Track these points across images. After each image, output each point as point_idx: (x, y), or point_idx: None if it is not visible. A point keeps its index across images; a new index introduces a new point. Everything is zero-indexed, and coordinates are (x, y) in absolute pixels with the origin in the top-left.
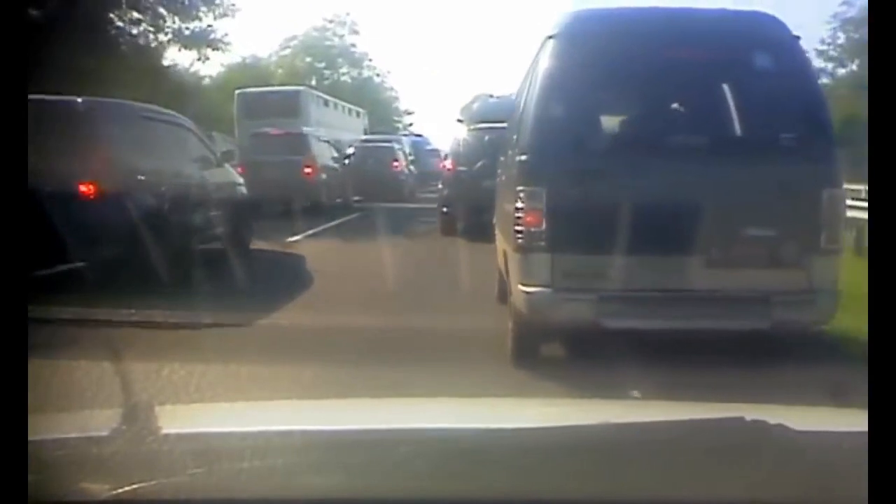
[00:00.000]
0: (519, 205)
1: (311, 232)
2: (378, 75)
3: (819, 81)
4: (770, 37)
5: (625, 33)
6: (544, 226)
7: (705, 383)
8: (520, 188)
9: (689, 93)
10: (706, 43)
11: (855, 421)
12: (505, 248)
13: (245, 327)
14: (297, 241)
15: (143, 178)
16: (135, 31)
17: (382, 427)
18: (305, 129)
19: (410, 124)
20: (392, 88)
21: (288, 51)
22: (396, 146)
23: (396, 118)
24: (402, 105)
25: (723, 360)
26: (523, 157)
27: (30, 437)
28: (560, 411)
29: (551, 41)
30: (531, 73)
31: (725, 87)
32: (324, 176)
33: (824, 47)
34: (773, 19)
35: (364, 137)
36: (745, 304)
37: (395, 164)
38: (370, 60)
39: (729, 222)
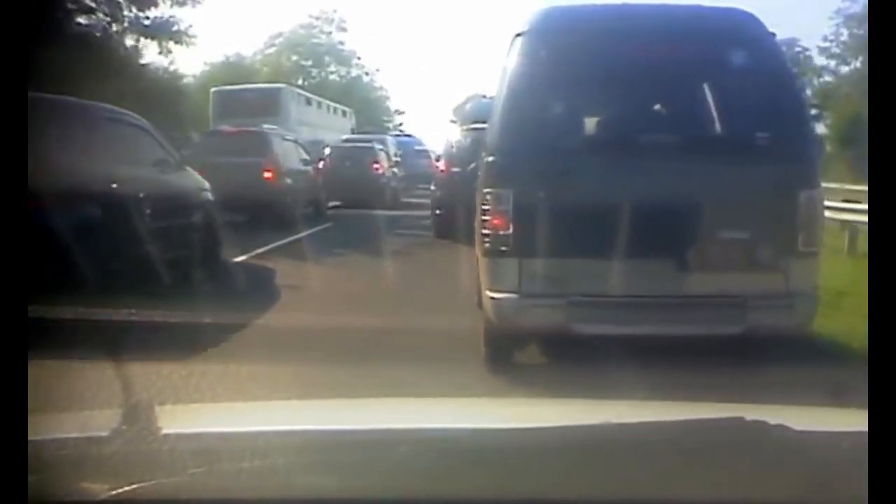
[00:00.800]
0: (485, 207)
1: (262, 250)
2: (367, 74)
3: (797, 80)
4: (746, 34)
5: (597, 30)
6: (511, 229)
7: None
8: (486, 190)
9: (662, 91)
10: (680, 40)
11: (855, 421)
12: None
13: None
14: (244, 261)
15: (79, 182)
16: (88, 21)
17: (382, 427)
18: (266, 127)
19: (401, 124)
20: (382, 88)
21: (273, 49)
22: (378, 146)
23: (387, 118)
24: (393, 105)
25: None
26: (490, 159)
27: (30, 437)
28: (559, 411)
29: (520, 38)
30: (502, 73)
31: (700, 85)
32: (289, 180)
33: (827, 44)
34: (750, 16)
35: (344, 137)
36: (719, 308)
37: (376, 166)
38: (359, 59)
39: (703, 224)
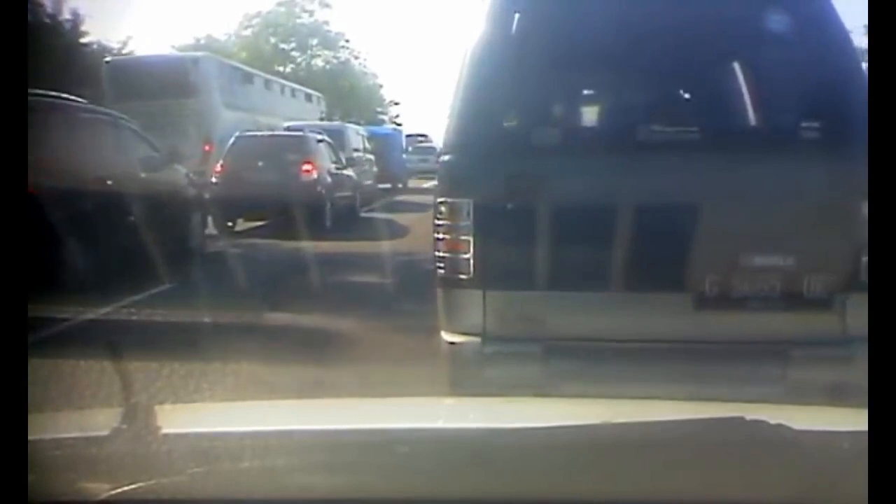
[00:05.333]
0: (439, 223)
1: None
2: (357, 58)
3: (857, 52)
4: None
5: None
6: (472, 251)
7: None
8: (440, 199)
9: (673, 67)
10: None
11: (855, 421)
12: None
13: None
14: None
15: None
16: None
17: (382, 427)
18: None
19: (397, 116)
20: (375, 74)
21: (250, 30)
22: (314, 138)
23: (380, 109)
24: (388, 94)
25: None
26: (445, 158)
27: (29, 437)
28: (560, 411)
29: (488, 1)
30: (463, 47)
31: (724, 59)
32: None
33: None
34: None
35: (287, 125)
36: (751, 359)
37: (307, 167)
38: (347, 41)
39: (728, 247)
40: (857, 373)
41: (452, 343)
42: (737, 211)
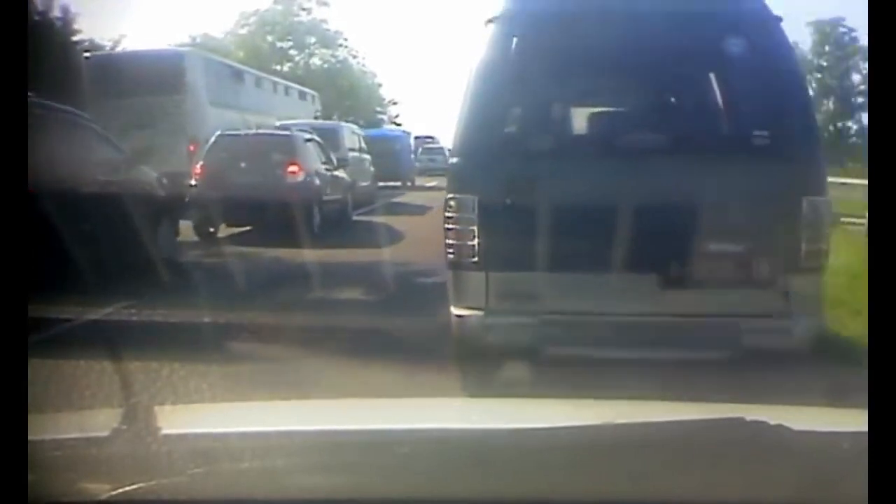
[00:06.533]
0: (449, 215)
1: None
2: (355, 56)
3: (802, 72)
4: (746, 16)
5: (578, 15)
6: (477, 239)
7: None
8: (449, 196)
9: (650, 84)
10: (670, 24)
11: (855, 421)
12: None
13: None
14: None
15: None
16: None
17: (382, 427)
18: None
19: (397, 115)
20: (374, 73)
21: (246, 29)
22: (301, 137)
23: (379, 108)
24: (387, 94)
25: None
26: (454, 160)
27: (29, 437)
28: (560, 411)
29: (491, 25)
30: (469, 64)
31: (693, 78)
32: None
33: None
34: None
35: (278, 124)
36: (710, 330)
37: (292, 168)
38: (345, 40)
39: (693, 235)
40: (798, 342)
41: (460, 316)
42: (696, 206)
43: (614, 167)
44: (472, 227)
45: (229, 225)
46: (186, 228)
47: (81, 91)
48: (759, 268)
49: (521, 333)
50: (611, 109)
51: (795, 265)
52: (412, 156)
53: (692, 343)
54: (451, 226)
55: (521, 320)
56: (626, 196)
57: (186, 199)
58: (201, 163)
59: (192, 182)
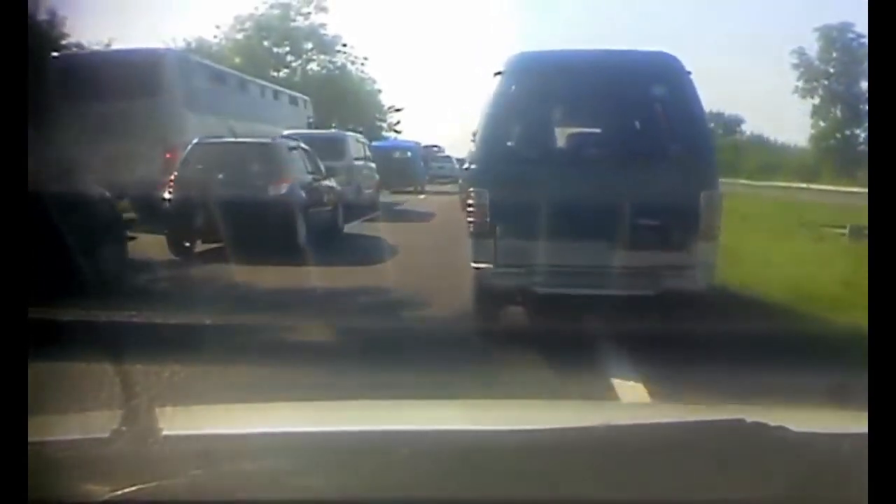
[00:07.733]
0: (470, 202)
1: None
2: (353, 62)
3: (702, 107)
4: (667, 72)
5: (554, 70)
6: (488, 218)
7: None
8: (471, 189)
9: (600, 116)
10: (616, 77)
11: (855, 421)
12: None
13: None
14: None
15: None
16: None
17: (383, 429)
18: None
19: (397, 122)
20: (373, 80)
21: (242, 34)
22: (285, 145)
23: (379, 115)
24: (388, 100)
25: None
26: (473, 166)
27: (30, 439)
28: (561, 413)
29: (498, 76)
30: (484, 102)
31: (629, 111)
32: None
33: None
34: (672, 58)
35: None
36: (641, 275)
37: (275, 179)
38: (344, 45)
39: (629, 215)
40: (698, 286)
41: (477, 268)
42: (632, 196)
43: (579, 170)
44: (485, 210)
45: (205, 241)
46: (160, 244)
47: (43, 93)
48: (674, 237)
49: (516, 279)
50: (578, 131)
51: (697, 235)
52: (423, 164)
53: (631, 285)
54: (472, 209)
55: (516, 270)
56: (587, 189)
57: (149, 214)
58: (176, 173)
59: (166, 194)
